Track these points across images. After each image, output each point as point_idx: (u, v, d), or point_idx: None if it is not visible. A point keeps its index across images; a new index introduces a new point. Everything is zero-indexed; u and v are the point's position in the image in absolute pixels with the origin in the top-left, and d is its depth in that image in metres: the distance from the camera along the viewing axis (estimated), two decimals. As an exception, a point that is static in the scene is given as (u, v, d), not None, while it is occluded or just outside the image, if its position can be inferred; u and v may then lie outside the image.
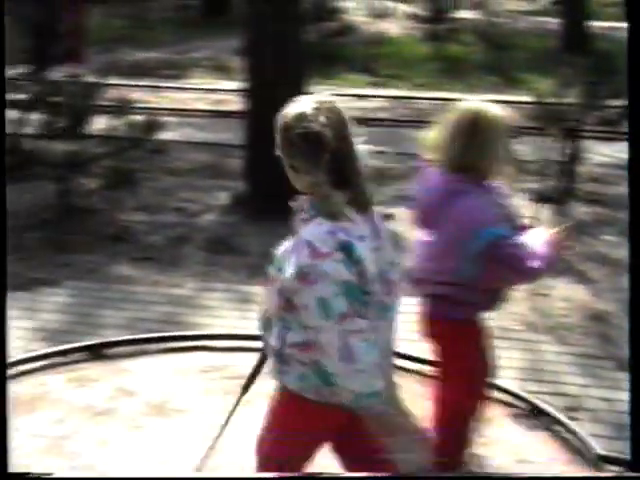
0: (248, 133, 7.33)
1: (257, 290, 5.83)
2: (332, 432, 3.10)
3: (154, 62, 13.26)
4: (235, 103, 10.88)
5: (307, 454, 3.13)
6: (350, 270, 2.67)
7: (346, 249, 2.68)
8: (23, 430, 4.12)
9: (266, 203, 7.16)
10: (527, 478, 3.62)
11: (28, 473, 3.21)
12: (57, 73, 8.49)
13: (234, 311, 5.54)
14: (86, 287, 5.86)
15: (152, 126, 6.93)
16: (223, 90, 11.74)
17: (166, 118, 7.84)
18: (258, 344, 4.97)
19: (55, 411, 4.31)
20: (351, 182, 2.77)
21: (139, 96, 8.20)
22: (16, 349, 4.93)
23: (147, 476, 3.49)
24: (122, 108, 7.10)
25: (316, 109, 2.81)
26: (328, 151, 2.74)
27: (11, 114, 7.91)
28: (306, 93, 7.19)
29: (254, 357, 4.84)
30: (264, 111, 7.10)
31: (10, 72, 9.95)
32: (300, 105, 2.87)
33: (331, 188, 2.76)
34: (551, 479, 3.67)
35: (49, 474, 3.32)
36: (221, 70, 12.94)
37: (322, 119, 2.77)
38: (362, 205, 2.81)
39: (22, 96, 7.88)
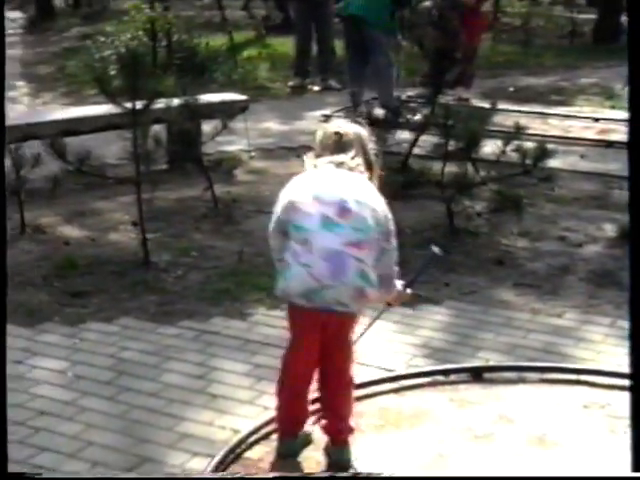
0: (632, 165, 7.05)
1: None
2: (305, 330, 3.85)
3: (541, 88, 13.21)
4: (623, 133, 10.59)
5: (302, 356, 3.93)
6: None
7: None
8: (406, 444, 4.22)
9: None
10: (530, 478, 3.62)
11: (24, 473, 3.29)
12: (448, 97, 8.68)
13: (618, 347, 5.33)
14: (466, 308, 5.90)
15: (543, 153, 6.87)
16: (610, 119, 11.44)
17: (552, 145, 7.72)
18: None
19: (436, 429, 4.37)
20: None
21: (525, 122, 8.13)
22: (398, 363, 5.08)
23: (148, 477, 3.48)
24: (513, 134, 7.09)
25: None
26: None
27: (404, 135, 8.22)
28: None
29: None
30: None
31: (404, 94, 10.32)
32: None
33: None
34: (553, 479, 3.62)
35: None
36: (608, 98, 12.64)
37: None
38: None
39: (414, 117, 8.14)
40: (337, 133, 4.02)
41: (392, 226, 3.90)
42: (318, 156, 4.01)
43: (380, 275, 3.82)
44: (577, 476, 3.49)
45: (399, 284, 4.10)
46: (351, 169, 3.91)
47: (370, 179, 3.99)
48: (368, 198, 3.84)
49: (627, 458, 4.09)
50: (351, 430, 4.04)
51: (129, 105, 6.27)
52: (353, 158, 3.95)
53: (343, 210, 3.76)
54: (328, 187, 3.84)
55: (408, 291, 4.20)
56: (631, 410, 2.43)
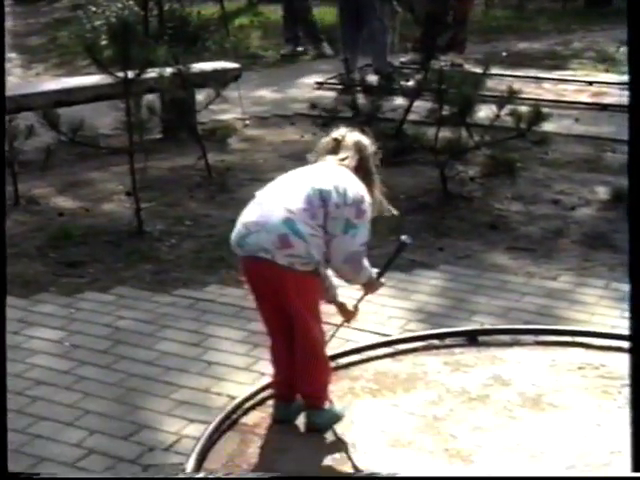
0: (632, 128, 7.04)
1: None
2: (251, 283, 3.99)
3: (534, 52, 13.16)
4: (617, 96, 10.57)
5: (262, 313, 4.04)
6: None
7: None
8: (401, 407, 4.25)
9: (649, 200, 6.88)
10: (533, 478, 3.57)
11: (21, 473, 3.32)
12: (441, 62, 8.64)
13: (612, 309, 5.36)
14: (461, 273, 5.92)
15: (537, 117, 6.86)
16: (604, 82, 11.42)
17: (546, 109, 7.70)
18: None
19: (431, 392, 4.39)
20: None
21: (519, 87, 8.10)
22: (394, 328, 5.10)
23: (149, 477, 3.49)
24: (507, 98, 7.08)
25: None
26: None
27: (398, 101, 8.20)
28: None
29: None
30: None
31: (397, 60, 10.34)
32: None
33: None
34: (556, 479, 3.57)
35: (49, 474, 3.44)
36: (602, 62, 12.59)
37: None
38: None
39: (409, 83, 8.13)
40: (335, 139, 4.08)
41: (363, 206, 3.85)
42: (315, 161, 4.08)
43: (349, 252, 3.82)
44: (577, 476, 3.51)
45: (374, 272, 4.08)
46: (337, 165, 3.99)
47: (369, 192, 3.98)
48: (331, 175, 3.88)
49: (620, 418, 4.13)
50: (318, 398, 4.03)
51: (121, 75, 6.25)
52: (343, 160, 3.99)
53: (296, 175, 3.97)
54: (299, 170, 4.02)
55: (381, 280, 4.16)
56: (631, 410, 2.44)
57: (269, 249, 3.73)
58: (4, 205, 2.73)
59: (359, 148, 4.05)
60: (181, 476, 3.63)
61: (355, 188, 3.87)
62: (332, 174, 3.90)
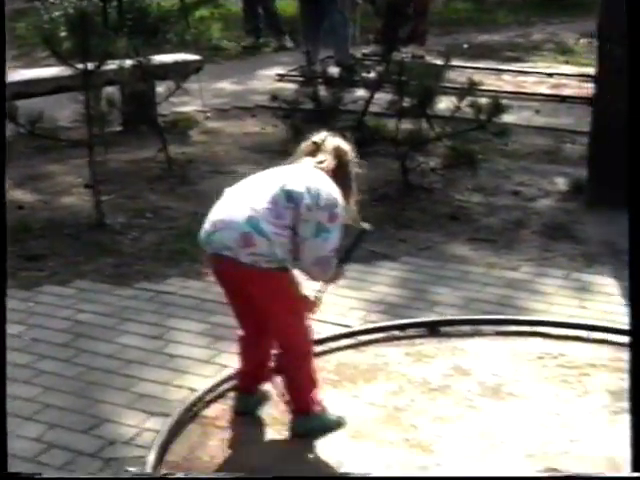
0: (594, 120, 7.11)
1: (596, 279, 5.69)
2: (219, 280, 3.97)
3: (495, 44, 13.22)
4: (576, 88, 10.65)
5: (232, 307, 4.06)
6: None
7: None
8: (362, 398, 4.26)
9: (608, 191, 6.93)
10: (537, 478, 3.59)
11: (19, 473, 3.33)
12: (402, 54, 8.65)
13: (572, 299, 5.41)
14: (422, 264, 5.94)
15: (497, 108, 6.89)
16: (563, 74, 11.50)
17: (506, 101, 7.75)
18: (597, 335, 4.88)
19: (392, 383, 4.41)
20: None
21: (480, 78, 8.14)
22: (355, 319, 5.11)
23: (150, 476, 3.49)
24: (467, 90, 7.11)
25: None
26: None
27: (359, 93, 8.20)
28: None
29: (592, 348, 4.76)
30: (614, 98, 6.90)
31: (359, 52, 10.35)
32: None
33: None
34: (554, 479, 3.56)
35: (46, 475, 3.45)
36: (562, 54, 12.68)
37: None
38: None
39: (370, 75, 8.12)
40: (315, 142, 4.04)
41: (337, 210, 3.79)
42: (291, 163, 4.05)
43: (319, 257, 3.78)
44: (577, 475, 3.53)
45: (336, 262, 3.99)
46: (314, 167, 3.94)
47: (345, 198, 3.92)
48: (304, 176, 3.84)
49: (579, 407, 4.18)
50: (303, 402, 3.96)
51: (80, 66, 6.20)
52: (321, 162, 3.94)
53: (268, 174, 3.93)
54: (273, 169, 3.99)
55: (341, 269, 4.08)
56: (631, 410, 2.45)
57: (232, 247, 3.71)
58: (4, 205, 2.71)
59: (338, 153, 3.99)
60: (180, 476, 3.59)
61: (329, 191, 3.81)
62: (306, 175, 3.85)
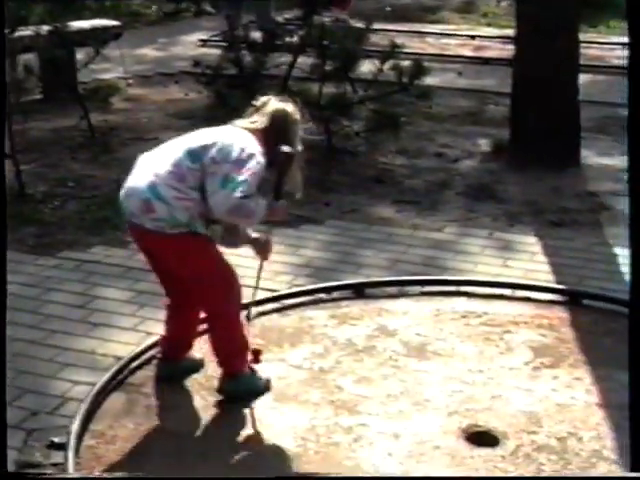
0: (515, 80, 7.18)
1: (519, 239, 5.76)
2: (137, 247, 3.97)
3: (417, 7, 13.26)
4: (498, 50, 10.73)
5: (155, 274, 4.05)
6: None
7: None
8: (287, 361, 4.27)
9: (529, 151, 7.03)
10: (537, 478, 3.52)
11: (19, 473, 3.34)
12: (324, 17, 8.62)
13: (496, 258, 5.48)
14: (348, 227, 5.97)
15: (419, 71, 6.92)
16: (486, 37, 11.59)
17: (430, 64, 7.78)
18: (520, 293, 4.95)
19: (318, 345, 4.43)
20: None
21: (403, 41, 8.15)
22: (281, 283, 5.11)
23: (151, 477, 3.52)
24: (389, 53, 7.12)
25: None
26: None
27: (282, 57, 8.15)
28: (577, 41, 6.99)
29: (515, 306, 4.84)
30: (533, 59, 6.98)
31: (281, 16, 10.28)
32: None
33: None
34: (554, 479, 3.56)
35: (47, 474, 3.46)
36: (484, 16, 12.79)
37: None
38: None
39: (292, 40, 8.09)
40: (254, 106, 3.99)
41: (249, 164, 3.66)
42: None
43: (228, 205, 3.63)
44: (577, 476, 3.56)
45: (268, 201, 3.86)
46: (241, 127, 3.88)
47: (286, 158, 3.85)
48: (218, 135, 3.79)
49: (502, 364, 4.24)
50: (229, 365, 3.95)
51: (-6, 32, 6.07)
52: (252, 123, 3.89)
53: (182, 138, 3.86)
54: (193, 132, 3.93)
55: (280, 202, 3.93)
56: (631, 411, 2.47)
57: (136, 214, 3.70)
58: (4, 203, 2.65)
59: (275, 116, 3.91)
60: (182, 476, 3.54)
61: (242, 147, 3.72)
62: (220, 133, 3.81)
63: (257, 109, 3.98)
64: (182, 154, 3.71)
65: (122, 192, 3.81)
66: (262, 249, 4.12)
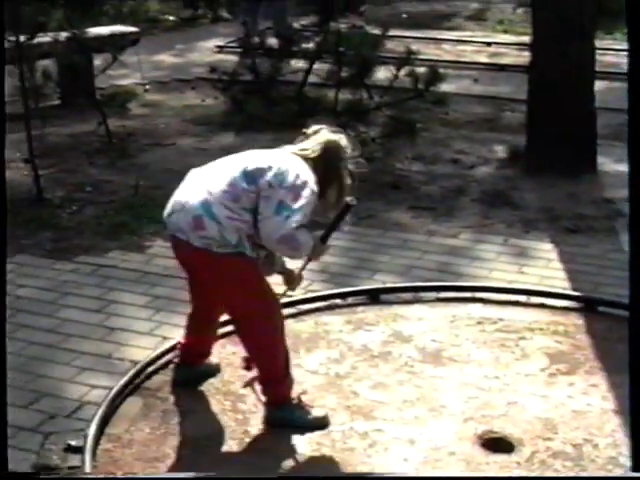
0: (531, 87, 7.18)
1: (534, 245, 5.76)
2: (177, 260, 3.90)
3: (434, 14, 13.28)
4: (515, 57, 10.73)
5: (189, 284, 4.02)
6: None
7: None
8: (303, 367, 4.28)
9: (544, 158, 7.03)
10: (537, 478, 3.53)
11: (20, 473, 3.35)
12: (340, 24, 8.66)
13: (511, 265, 5.48)
14: (363, 232, 5.97)
15: (434, 77, 6.94)
16: (502, 43, 11.60)
17: (446, 70, 7.81)
18: (535, 299, 4.95)
19: (333, 350, 4.44)
20: None
21: (419, 48, 8.18)
22: (298, 289, 5.11)
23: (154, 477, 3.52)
24: (405, 59, 7.15)
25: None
26: None
27: (298, 64, 8.19)
28: (593, 48, 6.99)
29: (530, 312, 4.84)
30: (549, 65, 6.98)
31: (297, 23, 10.31)
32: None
33: None
34: (555, 479, 3.53)
35: (49, 474, 3.47)
36: (500, 23, 12.79)
37: None
38: None
39: (308, 46, 8.12)
40: (304, 133, 3.91)
41: (304, 192, 3.61)
42: None
43: (280, 234, 3.58)
44: (577, 476, 3.57)
45: (315, 239, 3.86)
46: (291, 152, 3.82)
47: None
48: (273, 158, 3.73)
49: (517, 370, 4.24)
50: (272, 394, 3.86)
51: (12, 38, 6.12)
52: (302, 150, 3.81)
53: (237, 157, 3.82)
54: (247, 152, 3.88)
55: (326, 245, 3.94)
56: (631, 411, 2.48)
57: (185, 230, 3.66)
58: (5, 202, 2.68)
59: (327, 147, 3.84)
60: (183, 476, 3.55)
61: (297, 173, 3.67)
62: (276, 158, 3.75)
63: (307, 136, 3.90)
64: (238, 174, 3.65)
65: (170, 205, 3.76)
66: (292, 281, 4.12)
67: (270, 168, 3.65)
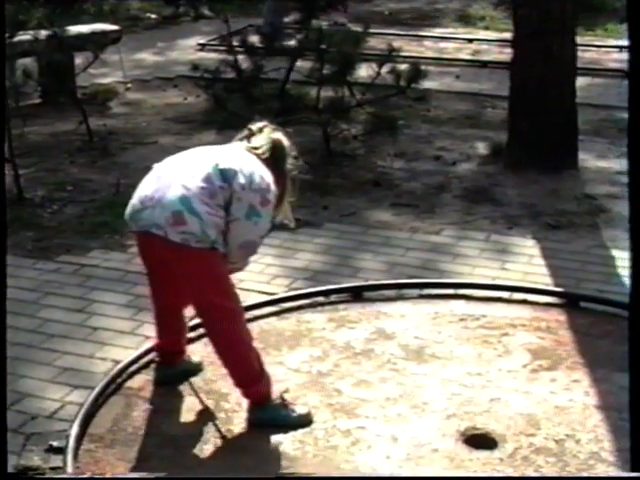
0: (513, 83, 7.19)
1: (516, 241, 5.77)
2: (142, 257, 3.92)
3: (415, 11, 13.28)
4: (496, 53, 10.75)
5: (151, 285, 4.03)
6: None
7: None
8: (286, 365, 4.27)
9: (526, 154, 7.04)
10: (538, 478, 3.53)
11: (20, 473, 3.33)
12: (322, 22, 8.65)
13: (493, 261, 5.49)
14: (346, 230, 5.97)
15: (416, 74, 6.94)
16: (484, 40, 11.61)
17: (428, 67, 7.81)
18: (518, 296, 4.96)
19: (316, 348, 4.43)
20: None
21: (401, 45, 8.19)
22: (279, 286, 5.12)
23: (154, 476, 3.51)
24: (387, 56, 7.14)
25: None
26: None
27: (281, 62, 8.18)
28: (574, 44, 7.00)
29: (513, 308, 4.84)
30: (531, 62, 6.99)
31: (281, 20, 10.29)
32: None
33: None
34: (557, 479, 3.54)
35: (49, 474, 3.46)
36: (482, 19, 12.80)
37: None
38: None
39: (291, 43, 8.11)
40: (250, 129, 3.95)
41: (269, 196, 3.70)
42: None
43: (247, 240, 3.70)
44: (577, 476, 3.56)
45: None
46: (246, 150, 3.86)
47: (280, 188, 3.85)
48: (238, 157, 3.76)
49: (500, 366, 4.25)
50: (249, 392, 3.84)
51: (-7, 37, 6.09)
52: (256, 148, 3.85)
53: (199, 152, 3.84)
54: (204, 147, 3.94)
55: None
56: (631, 411, 2.48)
57: (162, 225, 3.62)
58: (4, 203, 2.66)
59: (276, 145, 3.89)
60: (183, 476, 3.54)
61: (262, 175, 3.72)
62: (239, 157, 3.77)
63: (252, 133, 3.93)
64: (212, 171, 3.65)
65: (138, 201, 3.73)
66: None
67: (241, 169, 3.67)
